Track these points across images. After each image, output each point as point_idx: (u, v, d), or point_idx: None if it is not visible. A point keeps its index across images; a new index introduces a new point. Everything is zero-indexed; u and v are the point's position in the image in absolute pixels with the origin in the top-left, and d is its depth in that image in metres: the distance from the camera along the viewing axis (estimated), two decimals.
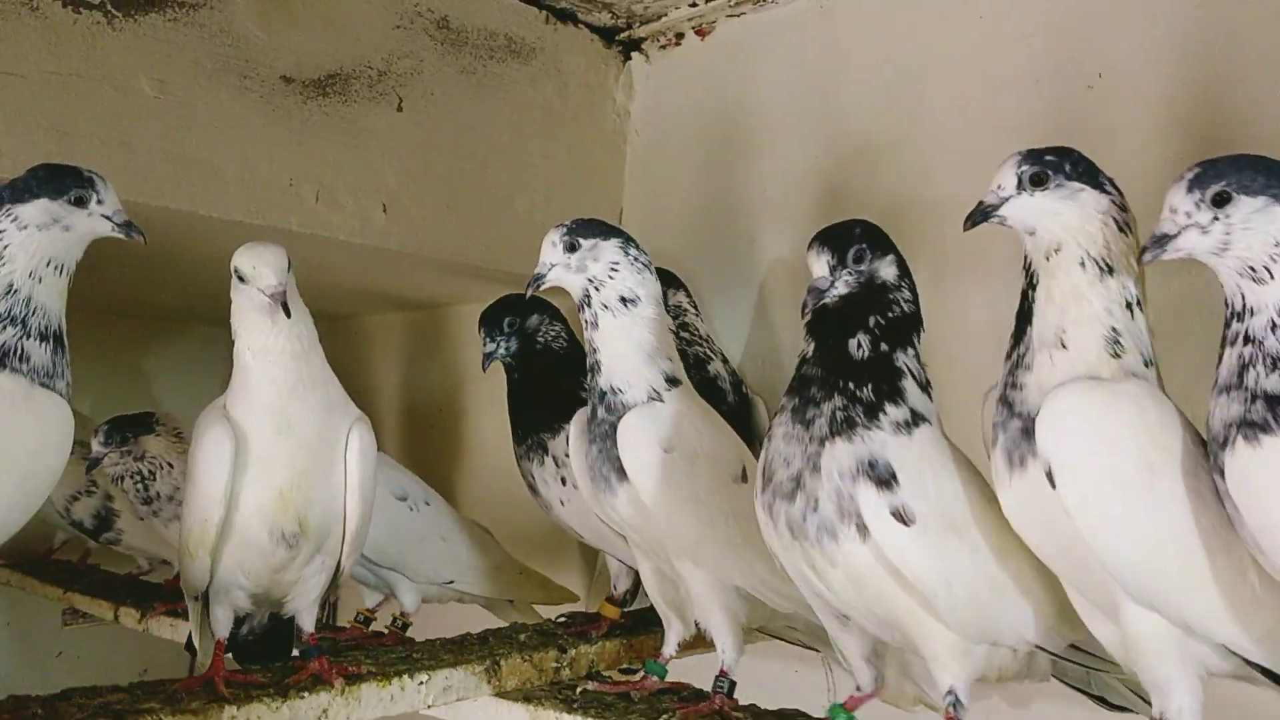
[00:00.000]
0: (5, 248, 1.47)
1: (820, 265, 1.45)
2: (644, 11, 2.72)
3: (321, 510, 1.73)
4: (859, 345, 1.44)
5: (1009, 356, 1.38)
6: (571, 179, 2.76)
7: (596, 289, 1.69)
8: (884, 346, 1.44)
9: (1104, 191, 1.35)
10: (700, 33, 2.76)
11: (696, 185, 2.74)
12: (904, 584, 1.39)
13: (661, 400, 1.70)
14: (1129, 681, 1.62)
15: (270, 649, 1.93)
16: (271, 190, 2.25)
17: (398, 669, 1.74)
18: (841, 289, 1.45)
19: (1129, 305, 1.32)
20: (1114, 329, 1.31)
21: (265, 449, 1.67)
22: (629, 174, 2.88)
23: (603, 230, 1.71)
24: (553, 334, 2.19)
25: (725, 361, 2.34)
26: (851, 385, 1.42)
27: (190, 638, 2.01)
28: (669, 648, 1.86)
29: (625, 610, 2.10)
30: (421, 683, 1.73)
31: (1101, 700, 1.70)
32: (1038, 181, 1.34)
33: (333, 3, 2.35)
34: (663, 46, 2.84)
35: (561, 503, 2.10)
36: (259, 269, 1.66)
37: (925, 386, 1.47)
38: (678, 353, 2.20)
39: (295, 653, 1.85)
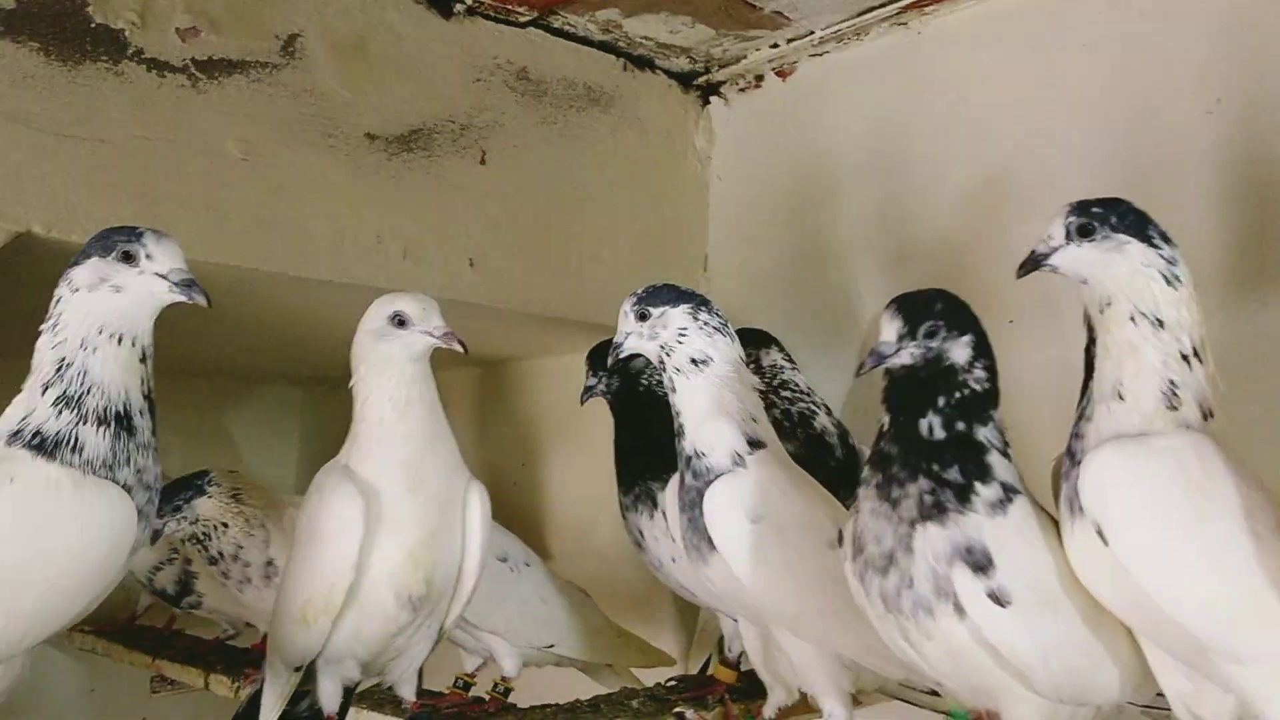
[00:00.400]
0: (60, 315, 1.40)
1: (890, 330, 1.41)
2: (723, 55, 2.68)
3: (444, 572, 1.69)
4: (930, 427, 1.40)
5: (1077, 409, 1.37)
6: (656, 227, 2.71)
7: (669, 354, 1.67)
8: (960, 426, 1.40)
9: (1151, 245, 1.34)
10: (781, 74, 2.71)
11: (784, 231, 2.68)
12: (1000, 660, 1.37)
13: (744, 465, 1.65)
14: None
15: None
16: (359, 248, 2.22)
17: None
18: (905, 359, 1.40)
19: (1185, 358, 1.31)
20: (1171, 381, 1.30)
21: (396, 507, 1.63)
22: (712, 221, 2.82)
23: (672, 297, 1.68)
24: (658, 379, 2.12)
25: (830, 414, 2.26)
26: (935, 467, 1.38)
27: (243, 712, 1.93)
28: (769, 710, 1.82)
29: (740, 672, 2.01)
30: None
31: None
32: (1085, 233, 1.35)
33: (413, 58, 2.34)
34: (742, 90, 2.79)
35: (673, 560, 2.02)
36: (428, 311, 1.66)
37: (1007, 453, 1.43)
38: (781, 412, 2.16)
39: None
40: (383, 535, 1.62)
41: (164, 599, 2.90)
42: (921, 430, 1.40)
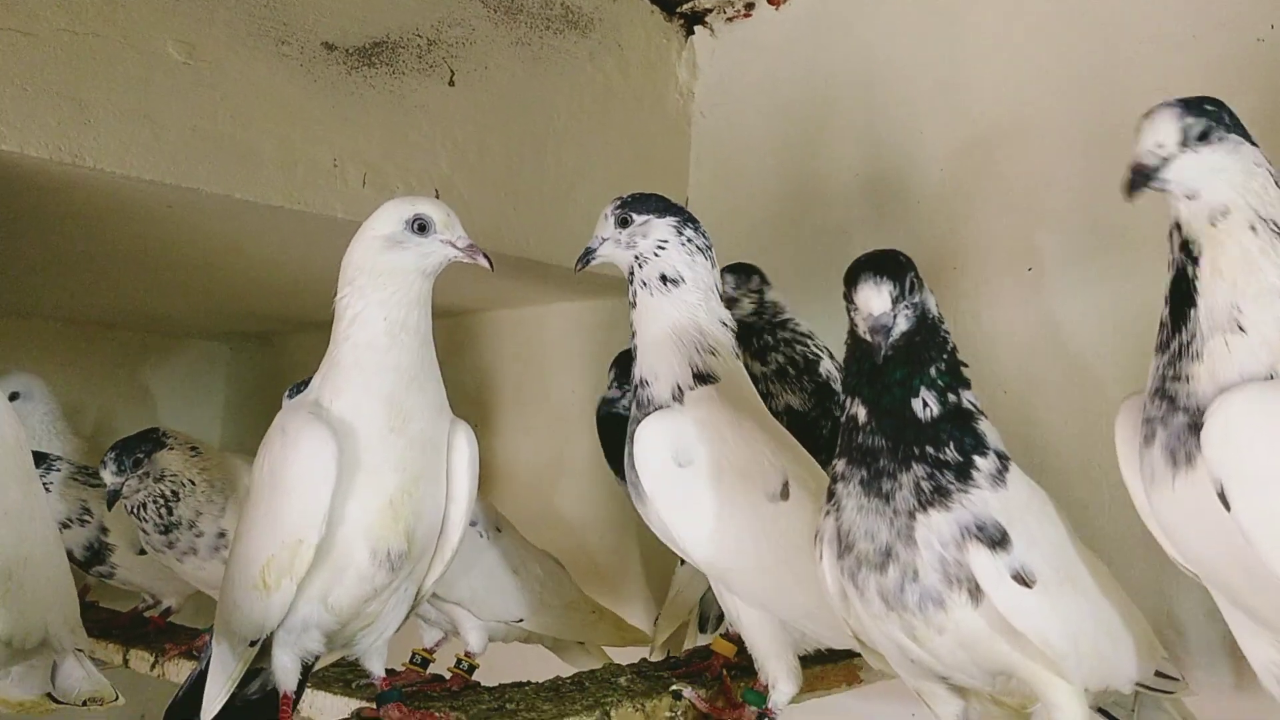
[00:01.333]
0: None
1: (882, 298, 1.26)
2: None
3: (427, 525, 1.48)
4: (925, 405, 1.28)
5: (1165, 348, 1.19)
6: (634, 166, 2.50)
7: (640, 265, 1.57)
8: (951, 397, 1.29)
9: (1254, 144, 1.18)
10: (774, 1, 2.49)
11: (770, 173, 2.48)
12: (1023, 644, 1.27)
13: (682, 401, 1.51)
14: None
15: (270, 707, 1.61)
16: (314, 172, 1.98)
17: None
18: (903, 324, 1.28)
19: None
20: None
21: (374, 449, 1.41)
22: (694, 160, 2.62)
23: (659, 207, 1.59)
24: None
25: (832, 358, 2.07)
26: (930, 450, 1.27)
27: (181, 697, 1.69)
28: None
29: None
30: None
31: None
32: (1204, 136, 1.16)
33: None
34: (729, 19, 2.58)
35: None
36: (452, 220, 1.50)
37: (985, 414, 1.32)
38: (784, 356, 2.01)
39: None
40: (359, 482, 1.40)
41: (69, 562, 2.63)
42: (915, 410, 1.27)
